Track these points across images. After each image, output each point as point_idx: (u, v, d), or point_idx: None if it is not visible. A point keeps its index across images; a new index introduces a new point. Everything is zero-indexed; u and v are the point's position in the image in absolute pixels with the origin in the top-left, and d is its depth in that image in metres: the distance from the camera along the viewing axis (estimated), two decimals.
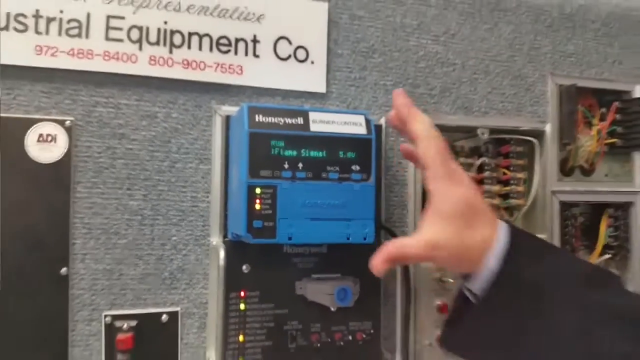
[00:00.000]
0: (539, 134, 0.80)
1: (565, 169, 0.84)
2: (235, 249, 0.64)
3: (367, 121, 0.60)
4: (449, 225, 0.47)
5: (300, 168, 0.56)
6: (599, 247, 0.85)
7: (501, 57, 0.80)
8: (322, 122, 0.58)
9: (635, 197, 0.86)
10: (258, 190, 0.55)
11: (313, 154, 0.57)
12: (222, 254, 0.62)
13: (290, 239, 0.56)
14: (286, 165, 0.56)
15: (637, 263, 0.86)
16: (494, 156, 0.80)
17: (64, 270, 0.63)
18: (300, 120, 0.57)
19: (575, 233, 0.84)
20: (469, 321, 0.50)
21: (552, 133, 0.81)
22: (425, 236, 0.48)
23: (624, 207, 0.86)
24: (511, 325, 0.46)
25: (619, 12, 0.87)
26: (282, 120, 0.57)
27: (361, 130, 0.59)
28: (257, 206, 0.55)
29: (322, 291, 0.63)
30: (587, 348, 0.43)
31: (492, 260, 0.47)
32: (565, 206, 0.82)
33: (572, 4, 0.85)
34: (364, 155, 0.59)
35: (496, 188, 0.79)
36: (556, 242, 0.80)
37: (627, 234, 0.86)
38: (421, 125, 0.51)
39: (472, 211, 0.48)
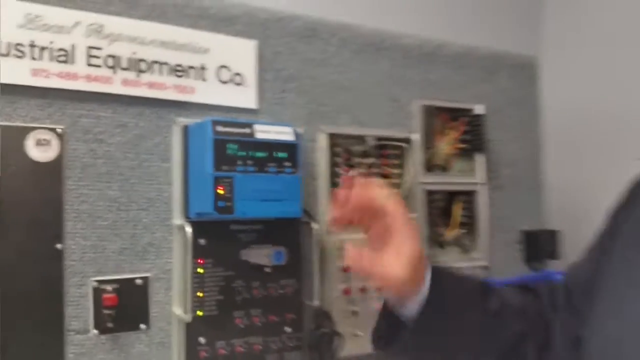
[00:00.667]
0: (409, 141, 1.10)
1: (428, 167, 1.14)
2: (195, 226, 0.85)
3: (294, 131, 0.84)
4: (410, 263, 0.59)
5: (249, 164, 0.80)
6: (454, 224, 1.16)
7: (382, 84, 1.09)
8: (263, 132, 0.81)
9: (477, 187, 1.18)
10: (221, 179, 0.77)
11: (258, 154, 0.81)
12: (189, 229, 0.83)
13: (244, 213, 0.78)
14: (239, 162, 0.79)
15: (482, 235, 1.19)
16: (378, 157, 1.07)
17: (59, 245, 0.80)
18: (248, 130, 0.81)
19: (437, 214, 1.15)
20: (406, 337, 0.63)
21: (418, 140, 1.11)
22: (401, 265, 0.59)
23: (471, 194, 1.18)
24: (439, 334, 0.62)
25: (463, 50, 1.20)
26: (236, 130, 0.79)
27: (290, 137, 0.83)
28: (220, 191, 0.77)
29: (263, 254, 0.87)
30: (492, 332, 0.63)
31: (425, 291, 0.61)
32: (429, 194, 1.12)
33: (432, 44, 1.16)
34: (292, 155, 0.83)
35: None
36: (423, 221, 1.10)
37: (473, 214, 1.18)
38: (383, 191, 0.61)
39: (420, 258, 0.60)
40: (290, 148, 0.83)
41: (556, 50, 1.41)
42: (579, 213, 1.31)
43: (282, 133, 0.83)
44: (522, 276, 1.19)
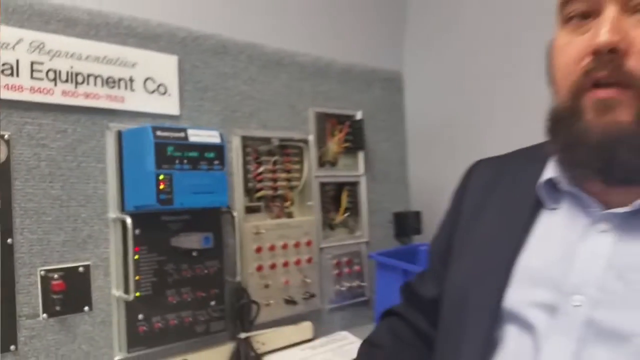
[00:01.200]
0: (306, 141, 1.31)
1: (321, 162, 1.36)
2: (130, 218, 0.98)
3: (220, 134, 1.01)
4: None
5: (184, 163, 0.95)
6: (342, 209, 1.40)
7: (282, 94, 1.29)
8: (195, 135, 0.97)
9: (359, 179, 1.43)
10: (161, 177, 0.92)
11: (191, 154, 0.96)
12: (129, 220, 0.96)
13: (182, 204, 0.94)
14: (177, 161, 0.94)
15: (363, 217, 1.44)
16: (281, 155, 1.27)
17: (9, 240, 0.89)
18: (182, 134, 0.96)
19: (329, 201, 1.37)
20: None
21: (313, 141, 1.32)
22: None
23: (354, 185, 1.43)
24: None
25: (346, 67, 1.44)
26: (172, 134, 0.94)
27: (217, 140, 1.00)
28: (162, 186, 0.92)
29: (194, 240, 1.02)
30: None
31: None
32: (322, 185, 1.34)
33: (322, 61, 1.38)
34: (219, 154, 1.00)
35: (283, 175, 1.27)
36: (317, 207, 1.32)
37: (357, 200, 1.43)
38: None
39: None
40: (217, 149, 1.00)
41: (416, 67, 1.73)
42: (435, 197, 1.62)
43: (211, 136, 0.99)
44: (394, 248, 1.46)
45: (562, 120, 0.63)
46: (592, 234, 0.62)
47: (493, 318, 0.65)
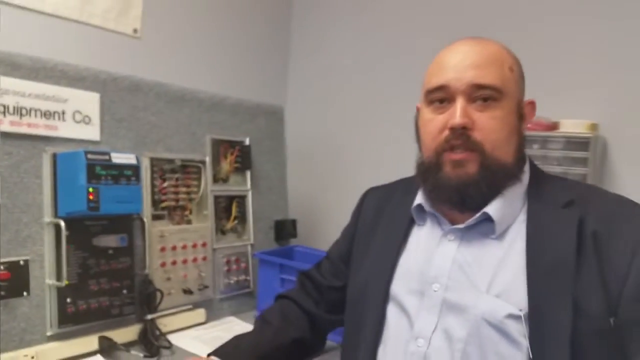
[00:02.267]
0: (204, 162, 1.63)
1: (215, 179, 1.68)
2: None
3: (136, 157, 1.31)
4: None
5: (109, 178, 1.23)
6: (232, 217, 1.73)
7: (185, 124, 1.60)
8: (117, 157, 1.26)
9: (247, 193, 1.77)
10: (91, 189, 1.20)
11: (113, 172, 1.25)
12: (62, 223, 1.23)
13: (106, 211, 1.22)
14: (103, 178, 1.22)
15: (249, 224, 1.77)
16: (183, 173, 1.58)
17: None
18: (107, 157, 1.24)
19: (221, 211, 1.70)
20: None
21: (209, 162, 1.65)
22: None
23: (243, 197, 1.76)
24: None
25: (236, 102, 1.78)
26: (99, 157, 1.23)
27: (133, 161, 1.29)
28: (91, 197, 1.20)
29: (112, 238, 1.31)
30: None
31: None
32: (216, 198, 1.67)
33: (217, 97, 1.71)
34: (135, 172, 1.29)
35: (184, 189, 1.58)
36: (211, 218, 1.64)
37: (244, 210, 1.77)
38: None
39: None
40: (133, 168, 1.29)
41: (294, 103, 2.14)
42: (308, 208, 2.02)
43: (128, 158, 1.29)
44: (274, 249, 1.81)
45: (429, 170, 0.92)
46: (444, 241, 0.93)
47: (384, 302, 0.95)
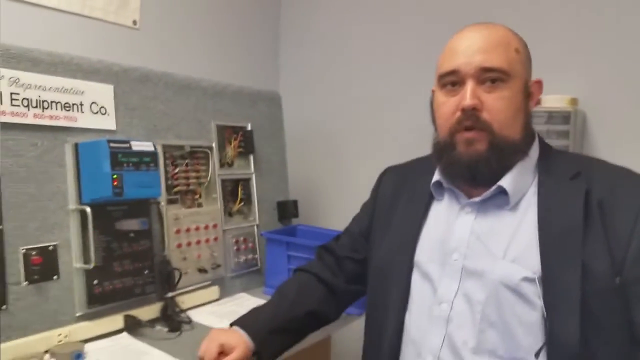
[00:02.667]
0: (210, 148, 1.71)
1: (222, 164, 1.76)
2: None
3: (153, 144, 1.38)
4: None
5: (130, 165, 1.31)
6: (238, 200, 1.81)
7: (192, 112, 1.67)
8: (136, 145, 1.33)
9: (250, 176, 1.86)
10: (115, 176, 1.27)
11: (134, 159, 1.32)
12: (88, 209, 1.30)
13: (129, 195, 1.30)
14: (125, 165, 1.29)
15: (254, 205, 1.86)
16: (192, 159, 1.66)
17: (0, 226, 1.19)
18: (127, 145, 1.32)
19: (228, 194, 1.78)
20: None
21: (215, 147, 1.72)
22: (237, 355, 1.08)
23: (247, 181, 1.85)
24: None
25: (238, 89, 1.85)
26: (120, 145, 1.30)
27: (151, 148, 1.37)
28: (115, 183, 1.27)
29: (134, 222, 1.38)
30: None
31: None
32: (222, 181, 1.75)
33: (220, 85, 1.78)
34: (153, 159, 1.37)
35: (194, 174, 1.66)
36: (220, 199, 1.72)
37: (249, 193, 1.85)
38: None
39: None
40: (152, 155, 1.36)
41: (289, 88, 2.22)
42: (308, 189, 2.12)
43: (147, 145, 1.36)
44: (278, 228, 1.90)
45: (444, 149, 1.01)
46: (462, 214, 1.03)
47: (409, 271, 1.06)
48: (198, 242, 1.64)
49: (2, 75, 1.22)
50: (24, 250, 1.23)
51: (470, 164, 0.98)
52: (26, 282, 1.23)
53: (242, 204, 1.83)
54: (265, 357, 1.15)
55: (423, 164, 1.14)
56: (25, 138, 1.26)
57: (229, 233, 1.76)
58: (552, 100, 1.84)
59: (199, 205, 1.68)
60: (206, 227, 1.66)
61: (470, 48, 0.99)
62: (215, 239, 1.69)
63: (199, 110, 1.70)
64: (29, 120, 1.26)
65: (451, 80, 1.00)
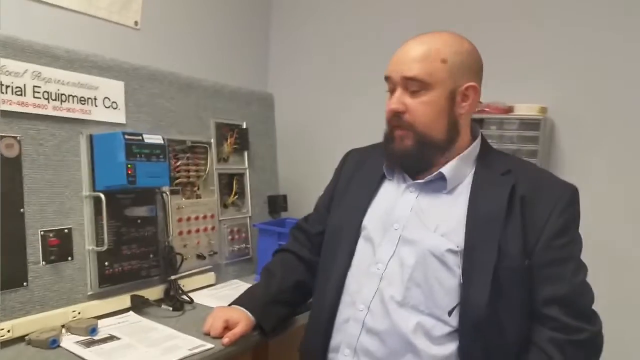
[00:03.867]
0: (209, 144, 1.82)
1: (219, 159, 1.88)
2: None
3: (162, 138, 1.49)
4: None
5: (142, 156, 1.42)
6: (233, 193, 1.93)
7: (193, 109, 1.78)
8: (148, 138, 1.44)
9: (244, 171, 1.98)
10: (129, 165, 1.38)
11: (145, 150, 1.43)
12: (102, 196, 1.40)
13: (142, 184, 1.40)
14: (137, 156, 1.40)
15: (247, 199, 1.98)
16: (192, 153, 1.77)
17: (22, 210, 1.29)
18: (140, 137, 1.42)
19: (224, 187, 1.90)
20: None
21: (213, 143, 1.84)
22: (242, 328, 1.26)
23: (241, 175, 1.97)
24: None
25: (235, 89, 1.97)
26: (134, 137, 1.41)
27: (161, 141, 1.48)
28: (129, 172, 1.38)
29: (142, 209, 1.49)
30: None
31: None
32: (220, 175, 1.87)
33: (218, 85, 1.89)
34: (163, 151, 1.48)
35: (194, 168, 1.77)
36: (217, 191, 1.84)
37: (243, 186, 1.97)
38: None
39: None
40: (161, 147, 1.47)
41: (281, 89, 2.35)
42: (297, 184, 2.24)
43: (157, 139, 1.47)
44: (268, 221, 2.02)
45: (387, 142, 1.21)
46: (406, 193, 1.21)
47: (356, 235, 1.23)
48: (197, 231, 1.75)
49: (26, 69, 1.31)
50: (42, 232, 1.32)
51: (400, 156, 1.19)
52: (44, 262, 1.32)
53: (237, 196, 1.95)
54: (267, 327, 1.31)
55: (381, 148, 1.28)
56: (45, 128, 1.35)
57: (224, 223, 1.88)
58: (523, 108, 2.02)
59: (198, 196, 1.79)
60: (204, 217, 1.78)
61: (400, 59, 1.16)
62: (213, 228, 1.81)
63: (200, 108, 1.82)
64: (49, 111, 1.36)
65: (389, 86, 1.18)
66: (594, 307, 1.11)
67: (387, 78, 1.19)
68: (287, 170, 2.28)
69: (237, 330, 1.26)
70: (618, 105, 1.93)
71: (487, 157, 1.20)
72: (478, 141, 1.22)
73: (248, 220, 1.98)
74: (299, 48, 2.52)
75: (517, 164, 1.20)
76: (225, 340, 1.26)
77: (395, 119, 1.16)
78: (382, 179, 1.28)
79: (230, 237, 1.89)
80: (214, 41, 2.29)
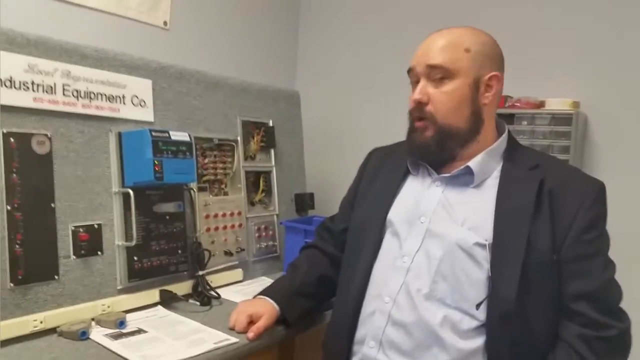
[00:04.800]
0: (236, 141, 1.84)
1: (246, 157, 1.89)
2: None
3: (189, 135, 1.51)
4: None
5: (169, 153, 1.43)
6: (260, 190, 1.94)
7: (220, 107, 1.80)
8: (175, 135, 1.46)
9: (271, 169, 1.98)
10: (156, 162, 1.40)
11: (172, 148, 1.45)
12: (131, 192, 1.43)
13: (169, 180, 1.42)
14: (164, 152, 1.42)
15: (274, 196, 1.98)
16: (219, 151, 1.79)
17: (53, 204, 1.32)
18: (167, 135, 1.44)
19: (251, 185, 1.91)
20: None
21: (240, 141, 1.85)
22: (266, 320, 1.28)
23: (268, 173, 1.98)
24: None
25: (261, 87, 1.98)
26: (161, 135, 1.43)
27: (187, 138, 1.50)
28: (157, 168, 1.40)
29: (170, 205, 1.51)
30: None
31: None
32: (246, 173, 1.88)
33: (245, 83, 1.91)
34: (189, 148, 1.49)
35: (221, 165, 1.78)
36: (244, 189, 1.85)
37: (270, 184, 1.98)
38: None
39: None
40: (188, 144, 1.49)
41: (307, 88, 2.35)
42: (324, 182, 2.24)
43: (183, 136, 1.49)
44: (295, 219, 2.02)
45: (409, 134, 1.21)
46: (432, 186, 1.21)
47: (381, 228, 1.23)
48: (224, 228, 1.76)
49: (56, 68, 1.35)
50: (72, 228, 1.35)
51: (420, 148, 1.18)
52: (74, 256, 1.35)
53: (264, 194, 1.96)
54: (290, 318, 1.33)
55: (404, 145, 1.28)
56: (74, 125, 1.38)
57: (252, 221, 1.89)
58: (555, 103, 1.97)
59: (225, 193, 1.80)
60: (231, 214, 1.79)
61: (423, 50, 1.17)
62: (240, 225, 1.82)
63: (227, 106, 1.83)
64: (78, 109, 1.39)
65: (413, 78, 1.19)
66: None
67: (410, 70, 1.20)
68: (314, 168, 2.28)
69: (261, 324, 1.27)
70: None
71: (514, 153, 1.19)
72: (505, 136, 1.21)
73: (275, 218, 1.99)
74: (327, 46, 2.52)
75: (545, 160, 1.19)
76: (250, 334, 1.27)
77: (418, 111, 1.16)
78: (406, 174, 1.28)
79: (257, 234, 1.90)
80: (242, 40, 2.31)
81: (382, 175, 1.33)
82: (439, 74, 1.13)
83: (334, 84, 2.46)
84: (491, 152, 1.17)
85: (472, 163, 1.15)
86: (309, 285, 1.38)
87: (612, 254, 1.12)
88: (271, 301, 1.33)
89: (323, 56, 2.52)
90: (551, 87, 2.03)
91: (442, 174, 1.20)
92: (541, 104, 1.99)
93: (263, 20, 2.41)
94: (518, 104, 2.00)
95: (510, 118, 1.99)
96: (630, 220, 1.90)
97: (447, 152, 1.16)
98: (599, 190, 1.12)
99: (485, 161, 1.16)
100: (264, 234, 1.93)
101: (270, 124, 1.99)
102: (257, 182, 1.94)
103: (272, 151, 2.00)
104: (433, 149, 1.16)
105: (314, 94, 2.41)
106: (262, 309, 1.31)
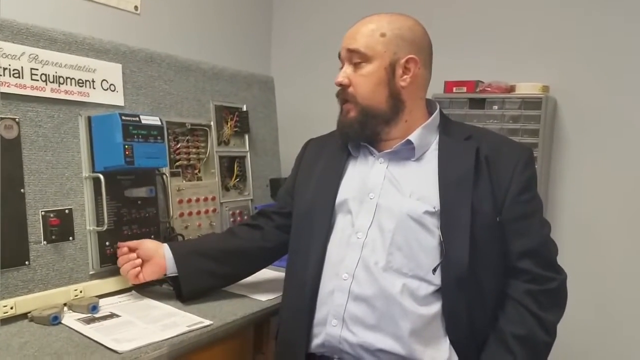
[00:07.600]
0: (209, 126, 1.83)
1: (219, 142, 1.89)
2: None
3: (160, 119, 1.50)
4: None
5: (140, 137, 1.43)
6: (234, 176, 1.94)
7: (192, 92, 1.80)
8: (145, 119, 1.45)
9: (246, 154, 1.99)
10: (127, 146, 1.39)
11: (142, 131, 1.44)
12: (102, 176, 1.42)
13: (139, 164, 1.42)
14: (135, 137, 1.42)
15: (249, 181, 1.99)
16: (192, 136, 1.78)
17: (22, 190, 1.30)
18: (137, 119, 1.44)
19: (225, 170, 1.91)
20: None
21: (213, 126, 1.85)
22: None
23: (242, 158, 1.98)
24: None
25: (234, 72, 1.98)
26: (131, 119, 1.42)
27: (158, 122, 1.49)
28: (127, 152, 1.39)
29: (142, 190, 1.50)
30: None
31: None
32: (220, 158, 1.88)
33: (218, 68, 1.90)
34: (160, 132, 1.49)
35: (194, 150, 1.78)
36: (218, 174, 1.85)
37: (244, 170, 1.98)
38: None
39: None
40: (159, 128, 1.49)
41: (280, 73, 2.35)
42: None
43: (154, 120, 1.48)
44: (270, 204, 2.03)
45: (339, 115, 1.27)
46: (376, 164, 1.25)
47: (332, 210, 1.25)
48: (198, 213, 1.76)
49: (23, 52, 1.33)
50: (43, 213, 1.34)
51: (345, 127, 1.25)
52: (45, 242, 1.34)
53: (238, 179, 1.96)
54: (181, 274, 1.41)
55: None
56: (43, 110, 1.37)
57: (226, 206, 1.89)
58: (525, 87, 2.01)
59: (199, 179, 1.80)
60: (205, 199, 1.79)
61: (347, 36, 1.24)
62: (214, 210, 1.82)
63: (199, 91, 1.83)
64: (47, 94, 1.37)
65: (341, 63, 1.26)
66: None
67: (338, 55, 1.26)
68: (289, 154, 2.28)
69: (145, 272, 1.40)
70: (621, 84, 1.92)
71: (447, 127, 1.27)
72: (437, 112, 1.27)
73: (250, 203, 2.00)
74: (302, 32, 2.52)
75: (476, 130, 1.27)
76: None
77: (342, 92, 1.24)
78: (347, 158, 1.32)
79: (232, 219, 1.91)
80: (215, 25, 2.29)
81: (322, 162, 1.35)
82: (358, 58, 1.20)
83: (310, 69, 2.47)
84: (427, 126, 1.24)
85: (412, 137, 1.22)
86: (220, 250, 1.45)
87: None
88: (168, 250, 1.41)
89: (298, 42, 2.52)
90: (521, 71, 2.07)
91: (382, 150, 1.25)
92: (512, 89, 2.02)
93: (236, 4, 2.39)
94: (489, 89, 2.03)
95: (481, 102, 2.02)
96: (597, 198, 1.96)
97: (370, 130, 1.22)
98: (529, 154, 1.20)
99: (423, 135, 1.23)
100: (238, 218, 1.93)
101: (244, 109, 1.99)
102: (231, 167, 1.94)
103: (247, 136, 2.00)
104: (356, 127, 1.22)
105: (289, 80, 2.41)
106: (152, 252, 1.41)
